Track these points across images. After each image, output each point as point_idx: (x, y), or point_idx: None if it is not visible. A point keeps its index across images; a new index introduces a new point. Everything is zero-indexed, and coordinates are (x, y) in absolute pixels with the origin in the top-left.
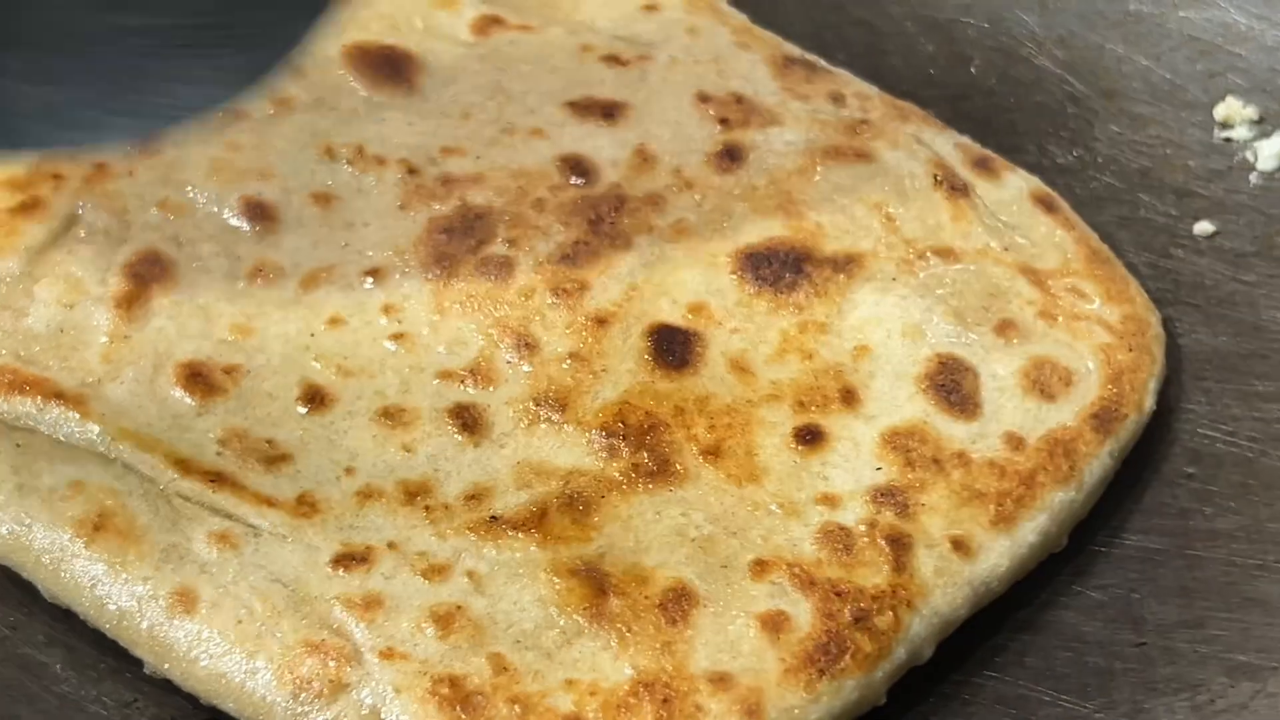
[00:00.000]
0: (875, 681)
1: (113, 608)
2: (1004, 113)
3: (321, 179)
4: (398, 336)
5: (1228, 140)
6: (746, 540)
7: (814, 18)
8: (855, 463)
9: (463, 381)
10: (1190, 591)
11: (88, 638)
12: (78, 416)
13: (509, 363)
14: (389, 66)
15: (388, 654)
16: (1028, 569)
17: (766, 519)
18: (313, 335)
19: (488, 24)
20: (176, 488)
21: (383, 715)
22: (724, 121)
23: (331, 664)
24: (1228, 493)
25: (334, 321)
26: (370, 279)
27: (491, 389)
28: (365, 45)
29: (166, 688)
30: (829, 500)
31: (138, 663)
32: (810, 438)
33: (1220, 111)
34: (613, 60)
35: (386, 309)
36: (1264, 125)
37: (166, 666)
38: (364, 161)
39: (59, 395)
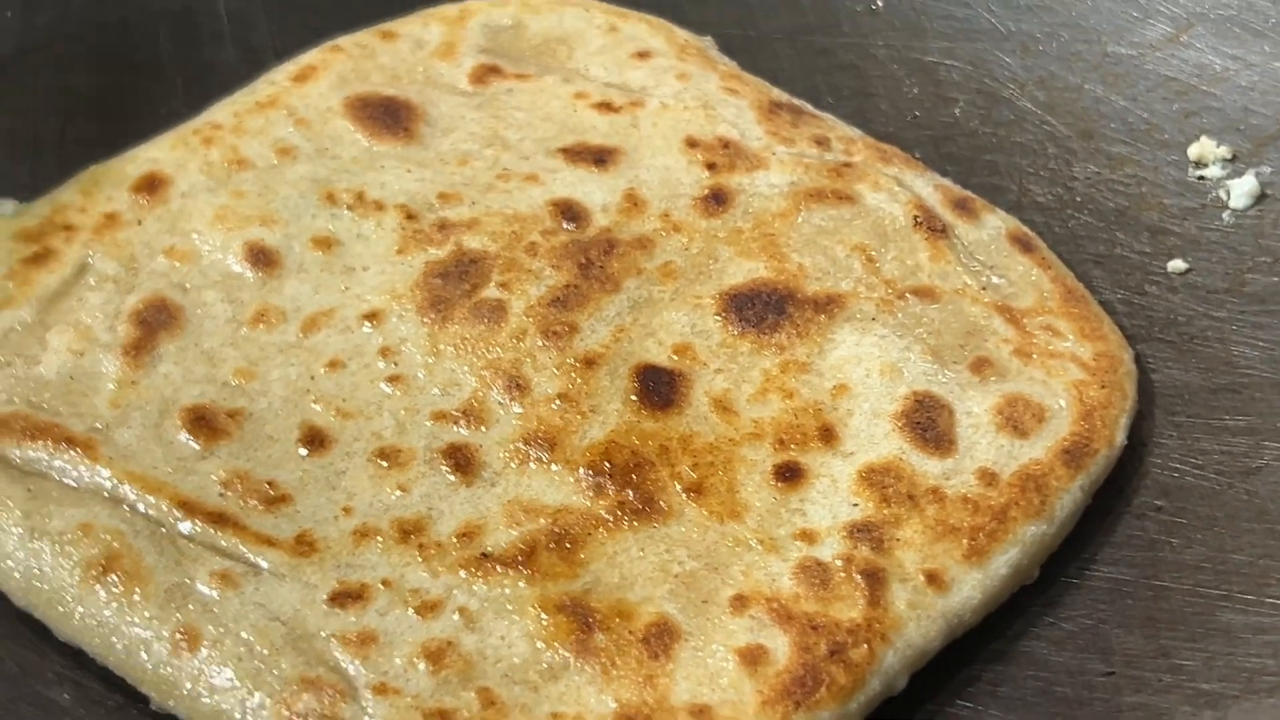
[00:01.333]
0: (850, 713)
1: (120, 646)
2: (986, 152)
3: (322, 224)
4: (394, 379)
5: (1201, 179)
6: (727, 575)
7: (803, 62)
8: (833, 499)
9: (456, 422)
10: (1157, 622)
11: (97, 675)
12: (87, 461)
13: (500, 404)
14: (389, 116)
15: (381, 689)
16: (1000, 601)
17: (747, 554)
18: (313, 378)
19: (485, 73)
20: (181, 528)
21: None
22: (711, 166)
23: (327, 699)
24: (1195, 525)
25: (333, 364)
26: (369, 323)
27: (484, 429)
28: (366, 96)
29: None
30: (807, 536)
31: (145, 698)
32: (790, 475)
33: (1194, 151)
34: (605, 107)
35: (384, 351)
36: (1236, 164)
37: (171, 703)
38: (364, 207)
39: (69, 440)
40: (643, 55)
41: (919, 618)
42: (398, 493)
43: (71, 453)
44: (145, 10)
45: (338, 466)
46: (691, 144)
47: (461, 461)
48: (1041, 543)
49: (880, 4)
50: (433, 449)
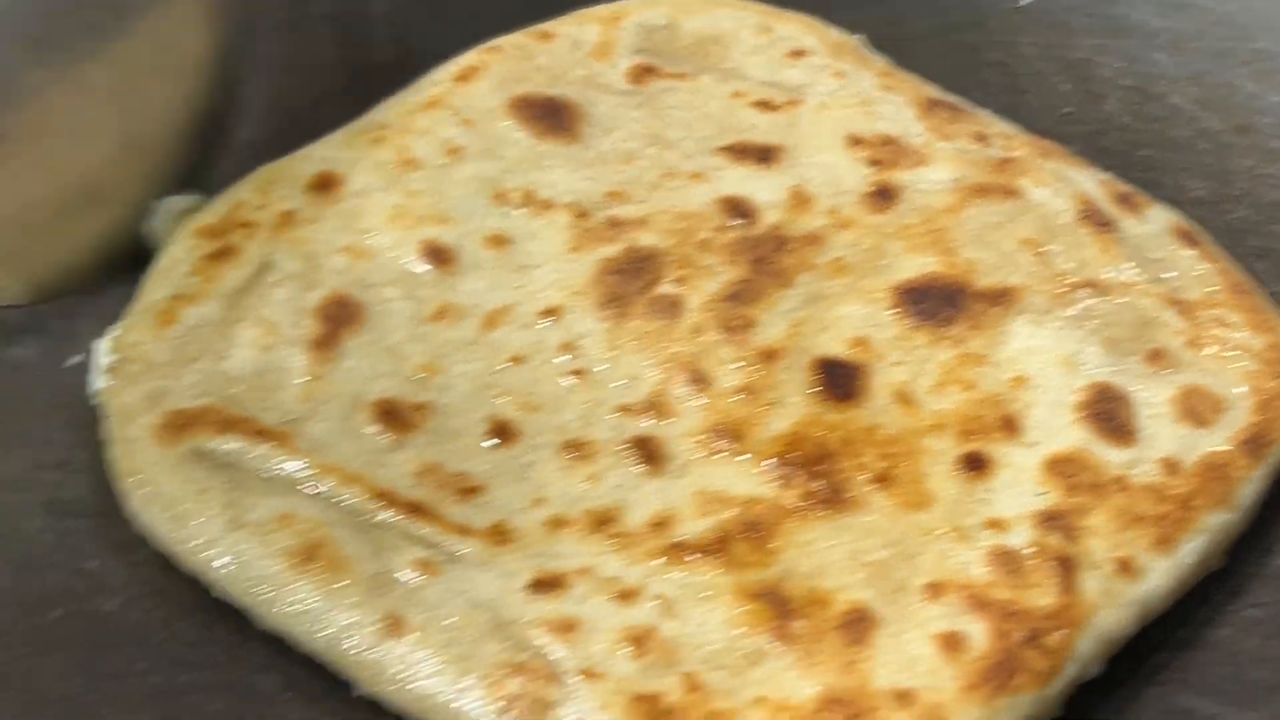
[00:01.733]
0: (1048, 698)
1: (325, 634)
2: (1140, 149)
3: (495, 223)
4: (576, 373)
5: None
6: (919, 564)
7: (951, 60)
8: (1019, 488)
9: (640, 415)
10: None
11: (299, 661)
12: (283, 454)
13: (683, 397)
14: (552, 116)
15: (588, 674)
16: (1187, 588)
17: (937, 543)
18: (496, 373)
19: (642, 73)
20: (378, 518)
21: None
22: (875, 163)
23: (536, 683)
24: None
25: (515, 359)
26: (547, 319)
27: (668, 422)
28: (529, 96)
29: (376, 709)
30: (996, 525)
31: (349, 684)
32: (976, 465)
33: None
34: (764, 105)
35: (564, 347)
36: None
37: (379, 687)
38: (534, 206)
39: (263, 433)
40: (797, 54)
41: (1111, 605)
42: (587, 484)
43: (267, 446)
44: (306, 14)
45: (526, 459)
46: (854, 141)
47: (649, 453)
48: (1226, 531)
49: (1025, 1)
50: (619, 441)
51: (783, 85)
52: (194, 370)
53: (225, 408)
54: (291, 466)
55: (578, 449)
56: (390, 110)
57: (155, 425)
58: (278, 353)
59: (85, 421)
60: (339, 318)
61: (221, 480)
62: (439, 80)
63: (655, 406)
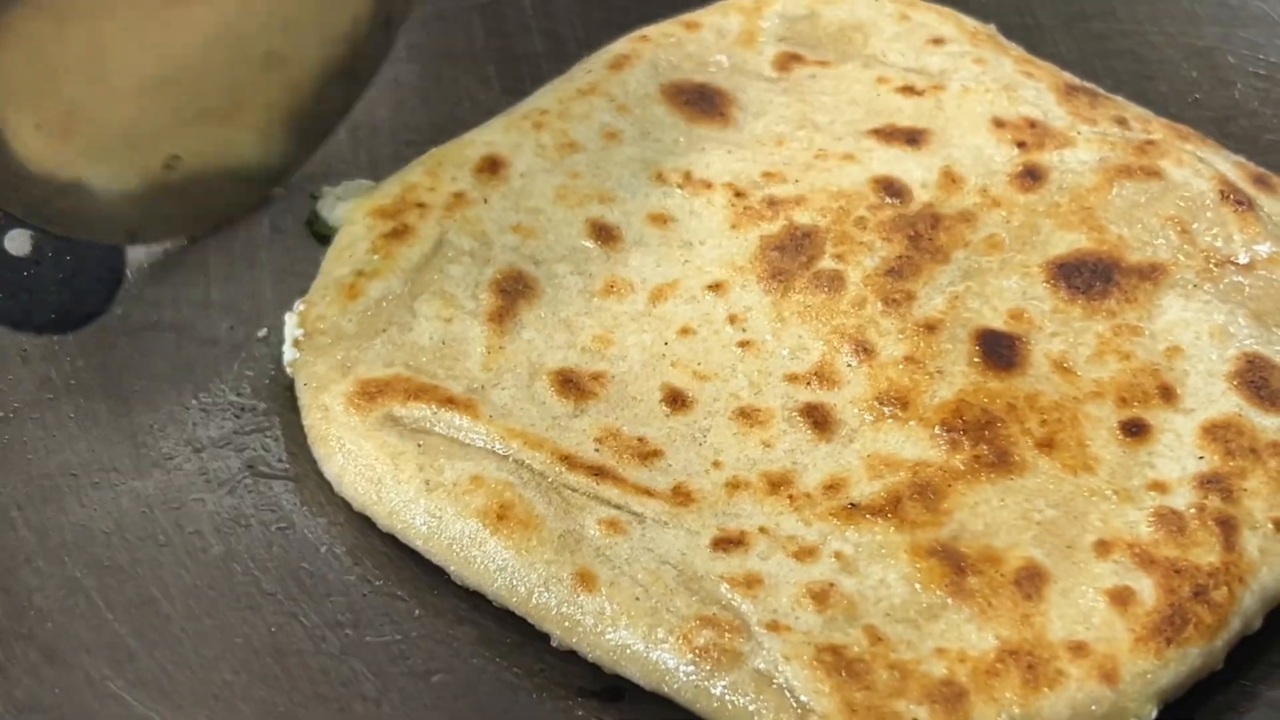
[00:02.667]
0: (1215, 649)
1: (522, 589)
2: (1268, 132)
3: (656, 202)
4: (744, 344)
5: None
6: (1086, 523)
7: (1081, 48)
8: (1179, 452)
9: (808, 383)
10: None
11: (492, 615)
12: (469, 420)
13: (849, 366)
14: (704, 101)
15: (773, 626)
16: None
17: (1103, 504)
18: (666, 344)
19: (788, 60)
20: (564, 480)
21: (775, 681)
22: (1021, 144)
23: (725, 636)
24: None
25: (684, 331)
26: (712, 293)
27: (836, 390)
28: (681, 83)
29: (568, 658)
30: (1159, 486)
31: (542, 636)
32: (1136, 430)
33: None
34: (908, 90)
35: (731, 319)
36: None
37: (575, 639)
38: (693, 186)
39: (450, 401)
40: (937, 41)
41: (1271, 562)
42: (762, 449)
43: (454, 412)
44: (459, 4)
45: (701, 425)
46: (998, 124)
47: (819, 419)
48: None
49: None
50: (790, 408)
51: (925, 71)
52: (381, 341)
53: (413, 376)
54: (480, 431)
55: (750, 416)
56: (548, 96)
57: (348, 393)
58: (459, 324)
59: (277, 391)
60: (514, 291)
61: (414, 444)
62: (592, 68)
63: (822, 375)
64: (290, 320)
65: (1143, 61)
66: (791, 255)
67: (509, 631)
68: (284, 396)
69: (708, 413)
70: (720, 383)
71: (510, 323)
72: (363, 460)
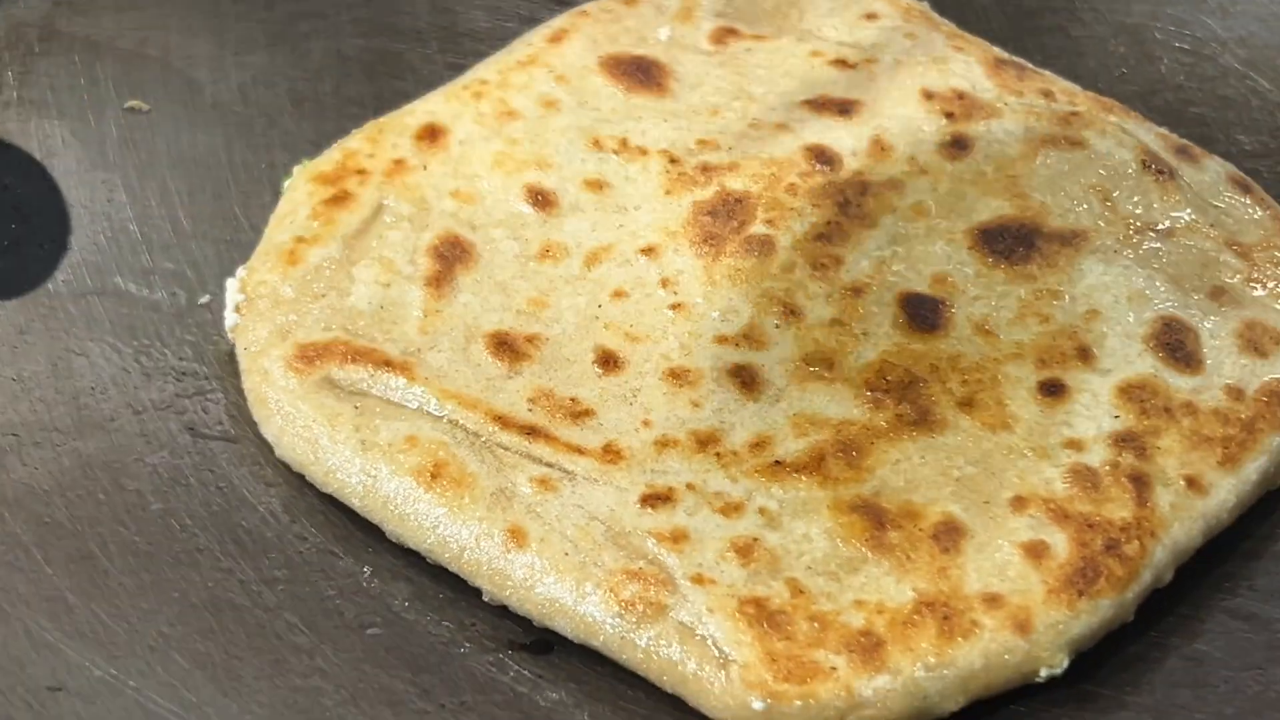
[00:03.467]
0: (1126, 601)
1: (454, 545)
2: (1193, 106)
3: (593, 168)
4: (675, 307)
5: None
6: (1004, 480)
7: (1013, 24)
8: (1095, 411)
9: (737, 345)
10: None
11: (428, 573)
12: (406, 381)
13: (777, 327)
14: (641, 72)
15: (698, 579)
16: (1250, 504)
17: (1020, 461)
18: (600, 306)
19: (724, 34)
20: (498, 439)
21: (698, 633)
22: (949, 115)
23: (651, 589)
24: None
25: (617, 294)
26: (646, 256)
27: (764, 351)
28: (619, 55)
29: (499, 612)
30: (1074, 444)
31: (473, 592)
32: (1054, 390)
33: None
34: (841, 64)
35: (663, 282)
36: None
37: (506, 593)
38: (629, 152)
39: (387, 363)
40: (870, 17)
41: (1182, 518)
42: (691, 408)
43: (390, 374)
44: None
45: (632, 385)
46: (928, 95)
47: (747, 380)
48: None
49: None
50: (718, 369)
51: (858, 45)
52: (321, 305)
53: (351, 340)
54: (415, 392)
55: (680, 376)
56: (489, 68)
57: (288, 356)
58: (397, 288)
59: (218, 355)
60: (451, 256)
61: (350, 406)
62: (533, 42)
63: (750, 337)
64: (231, 285)
65: (1072, 38)
66: (724, 220)
67: (442, 587)
68: (225, 361)
69: (639, 373)
70: (651, 344)
71: (447, 287)
72: (300, 421)
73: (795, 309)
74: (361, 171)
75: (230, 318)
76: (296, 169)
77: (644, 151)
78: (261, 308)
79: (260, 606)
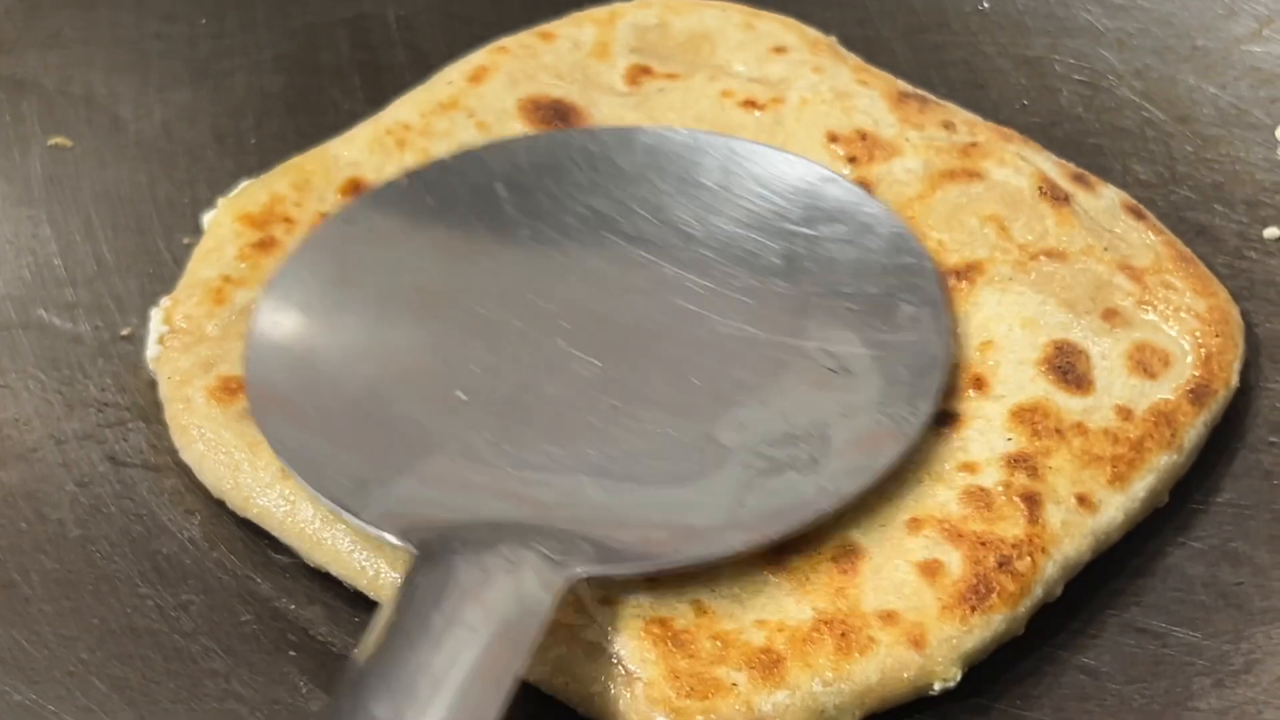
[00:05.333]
0: (1018, 616)
1: (370, 570)
2: (1091, 136)
3: None
4: None
5: None
6: (900, 503)
7: (918, 58)
8: (989, 436)
9: None
10: (1277, 539)
11: (342, 597)
12: None
13: None
14: (560, 119)
15: (606, 601)
16: (1138, 521)
17: (916, 486)
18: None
19: (638, 73)
20: None
21: (606, 652)
22: (852, 159)
23: (562, 612)
24: None
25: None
26: None
27: None
28: (538, 99)
29: None
30: (969, 467)
31: None
32: (948, 420)
33: None
34: (750, 105)
35: None
36: None
37: None
38: None
39: None
40: (779, 50)
41: (1072, 534)
42: None
43: None
44: (325, 17)
45: None
46: (832, 138)
47: None
48: (1173, 470)
49: (987, 5)
50: None
51: (766, 80)
52: (244, 344)
53: None
54: None
55: None
56: (410, 108)
57: (210, 386)
58: None
59: (139, 386)
60: None
61: None
62: (453, 80)
63: None
64: (155, 316)
65: (975, 70)
66: None
67: (358, 610)
68: (146, 391)
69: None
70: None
71: None
72: (221, 448)
73: None
74: (289, 220)
75: (153, 348)
76: (221, 201)
77: None
78: (185, 340)
79: (178, 631)
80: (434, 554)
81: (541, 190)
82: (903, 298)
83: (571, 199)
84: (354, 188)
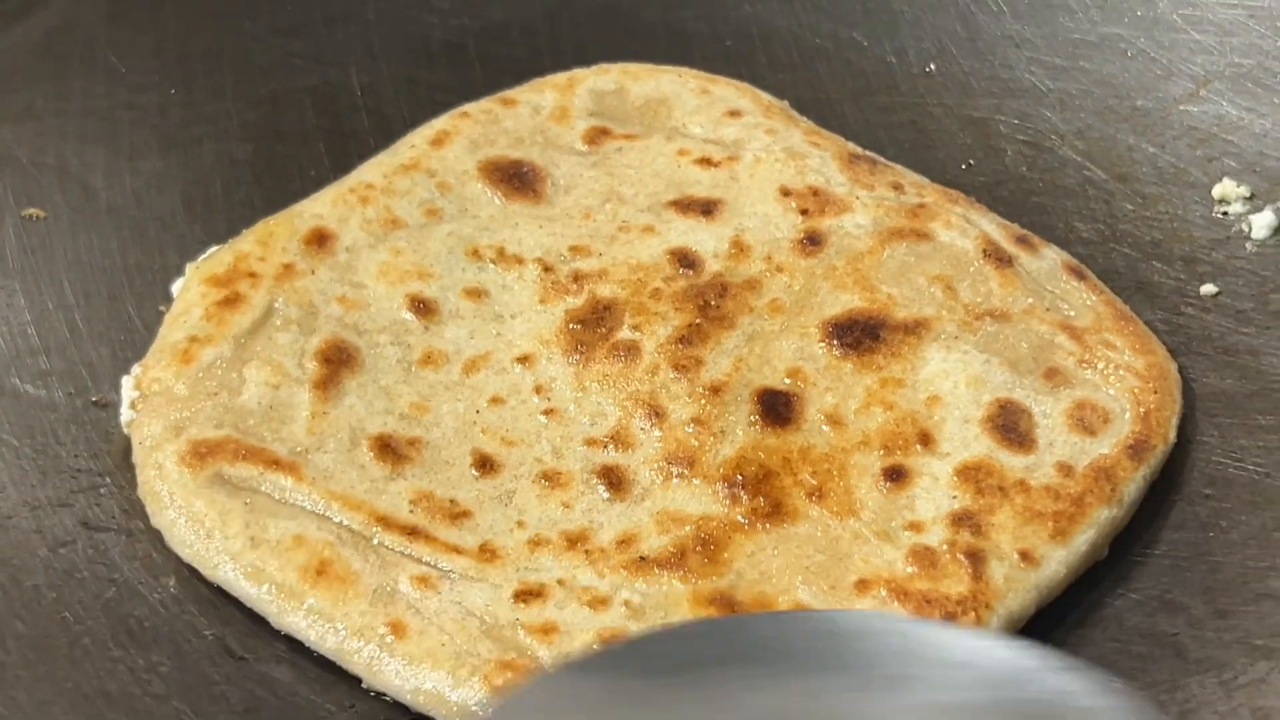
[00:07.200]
0: None
1: (335, 638)
2: (1034, 195)
3: (471, 277)
4: (548, 412)
5: (1225, 214)
6: (850, 564)
7: (867, 119)
8: (935, 494)
9: (605, 446)
10: (1213, 590)
11: (313, 658)
12: (293, 481)
13: (642, 429)
14: (518, 178)
15: None
16: (1079, 574)
17: (865, 546)
18: (478, 412)
19: (597, 134)
20: (380, 539)
21: None
22: (804, 211)
23: (523, 677)
24: (1240, 509)
25: (494, 400)
26: (521, 365)
27: (630, 452)
28: (497, 160)
29: (380, 696)
30: (915, 526)
31: (355, 676)
32: (896, 476)
33: (1218, 190)
34: (705, 162)
35: (537, 389)
36: (1255, 201)
37: (383, 683)
38: (505, 261)
39: (276, 463)
40: (734, 114)
41: (1015, 589)
42: (562, 509)
43: (279, 474)
44: (290, 86)
45: (508, 487)
46: (785, 193)
47: (614, 480)
48: (1113, 524)
49: (933, 68)
50: (588, 470)
51: (721, 142)
52: (213, 403)
53: (242, 438)
54: (302, 493)
55: (552, 479)
56: (374, 170)
57: (180, 451)
58: (285, 390)
59: (113, 452)
60: (337, 360)
61: (241, 502)
62: (416, 144)
63: (618, 439)
64: (127, 383)
65: (922, 131)
66: (593, 327)
67: (326, 670)
68: (119, 457)
69: (514, 476)
70: (526, 448)
71: (333, 389)
72: (193, 515)
73: (660, 410)
74: (253, 274)
75: (126, 414)
76: (190, 267)
77: (520, 260)
78: (156, 404)
79: (149, 694)
80: None
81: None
82: None
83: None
84: (317, 238)
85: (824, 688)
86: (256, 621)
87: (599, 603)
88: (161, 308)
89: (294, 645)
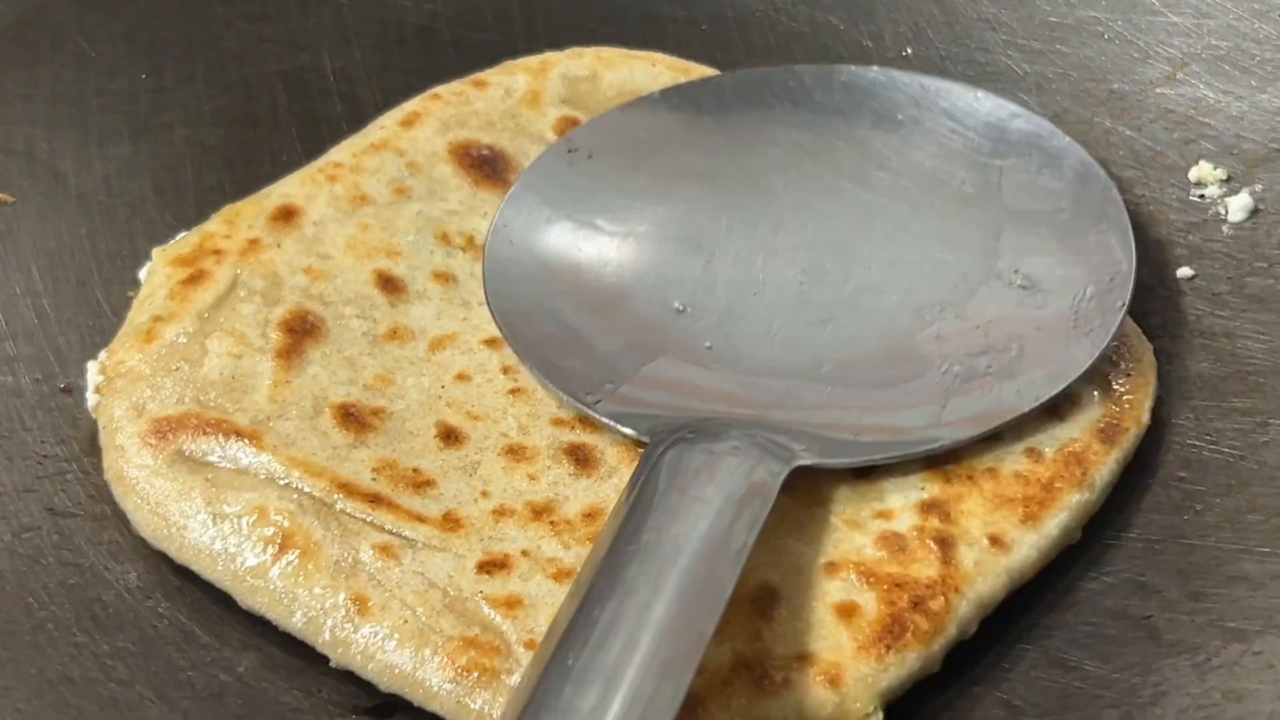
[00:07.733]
0: (933, 653)
1: (300, 614)
2: None
3: (440, 261)
4: (515, 391)
5: (1201, 197)
6: (819, 549)
7: None
8: (904, 485)
9: (573, 427)
10: (1187, 573)
11: (277, 642)
12: (254, 449)
13: None
14: (488, 165)
15: (530, 645)
16: (1051, 558)
17: (834, 533)
18: (444, 387)
19: (567, 124)
20: (342, 506)
21: None
22: None
23: (485, 656)
24: (1214, 491)
25: (460, 377)
26: (488, 348)
27: (598, 433)
28: (468, 144)
29: (346, 678)
30: (884, 515)
31: (321, 658)
32: (865, 472)
33: (1194, 173)
34: None
35: (505, 370)
36: (1232, 184)
37: (349, 661)
38: (475, 250)
39: (237, 432)
40: None
41: (985, 574)
42: (528, 481)
43: (241, 443)
44: (263, 71)
45: (472, 458)
46: None
47: (581, 458)
48: (1085, 508)
49: (910, 51)
50: (555, 447)
51: None
52: (174, 379)
53: (203, 411)
54: (263, 460)
55: (518, 453)
56: (344, 151)
57: (142, 432)
58: (248, 360)
59: (78, 436)
60: (301, 330)
61: (202, 479)
62: (386, 125)
63: (586, 421)
64: (92, 368)
65: None
66: None
67: (291, 655)
68: (86, 442)
69: (479, 448)
70: (491, 423)
71: (297, 359)
72: (155, 497)
73: None
74: (218, 252)
75: (91, 399)
76: (156, 252)
77: None
78: (119, 386)
79: (114, 680)
80: (666, 442)
81: (745, 123)
82: (1090, 222)
83: (775, 131)
84: (284, 214)
85: (846, 126)
86: (223, 606)
87: (564, 575)
88: (130, 293)
89: (261, 631)
